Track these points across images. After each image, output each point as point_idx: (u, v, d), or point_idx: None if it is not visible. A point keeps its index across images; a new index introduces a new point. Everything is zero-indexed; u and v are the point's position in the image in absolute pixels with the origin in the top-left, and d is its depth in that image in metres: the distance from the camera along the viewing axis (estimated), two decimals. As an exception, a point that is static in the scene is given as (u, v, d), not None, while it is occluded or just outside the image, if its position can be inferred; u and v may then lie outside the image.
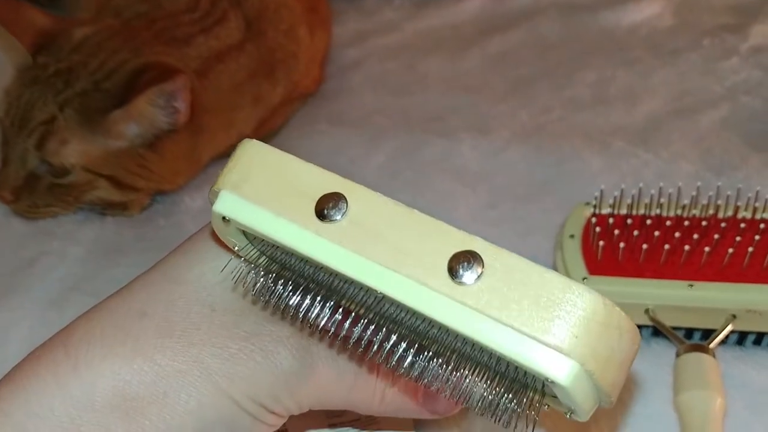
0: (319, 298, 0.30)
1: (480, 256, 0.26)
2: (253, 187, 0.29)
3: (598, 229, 0.52)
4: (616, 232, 0.52)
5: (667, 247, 0.50)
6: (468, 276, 0.26)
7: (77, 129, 0.62)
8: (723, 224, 0.52)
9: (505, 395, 0.30)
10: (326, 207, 0.28)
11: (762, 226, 0.52)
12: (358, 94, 0.82)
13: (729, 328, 0.50)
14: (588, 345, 0.26)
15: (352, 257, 0.27)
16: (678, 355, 0.49)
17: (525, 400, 0.30)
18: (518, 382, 0.29)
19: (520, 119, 0.76)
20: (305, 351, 0.33)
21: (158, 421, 0.32)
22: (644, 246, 0.51)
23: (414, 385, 0.34)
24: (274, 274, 0.31)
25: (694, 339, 0.51)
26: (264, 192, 0.29)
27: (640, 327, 0.52)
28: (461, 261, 0.26)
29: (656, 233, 0.51)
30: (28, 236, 0.66)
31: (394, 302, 0.28)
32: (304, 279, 0.31)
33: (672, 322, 0.50)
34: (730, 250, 0.50)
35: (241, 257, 0.32)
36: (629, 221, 0.53)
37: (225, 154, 0.72)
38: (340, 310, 0.30)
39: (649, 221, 0.53)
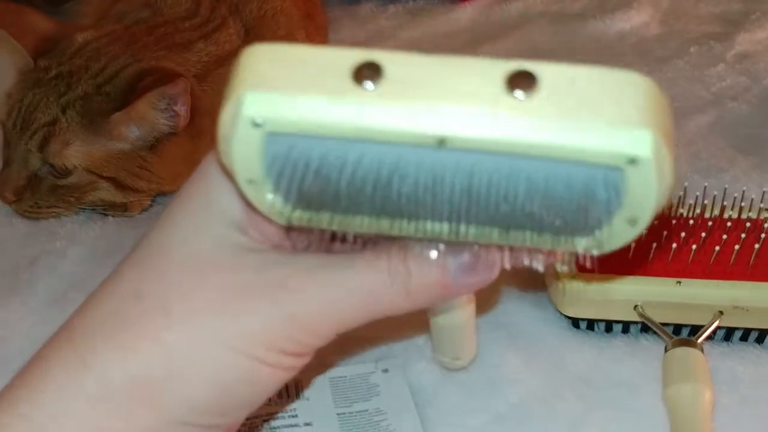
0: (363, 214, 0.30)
1: (531, 73, 0.26)
2: (279, 80, 0.27)
3: (588, 228, 0.54)
4: (606, 231, 0.53)
5: (655, 245, 0.52)
6: (525, 92, 0.26)
7: (79, 131, 0.63)
8: (710, 223, 0.54)
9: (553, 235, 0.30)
10: (364, 76, 0.27)
11: (748, 225, 0.53)
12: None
13: (716, 324, 0.51)
14: (655, 115, 0.27)
15: (408, 111, 0.27)
16: (667, 350, 0.50)
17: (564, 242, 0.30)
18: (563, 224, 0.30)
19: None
20: (308, 286, 0.32)
21: (177, 397, 0.32)
22: (633, 244, 0.52)
23: (436, 268, 0.33)
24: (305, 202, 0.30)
25: (683, 335, 0.52)
26: (293, 82, 0.27)
27: (629, 323, 0.53)
28: (515, 80, 0.26)
29: (644, 232, 0.53)
30: (30, 236, 0.67)
31: (454, 155, 0.27)
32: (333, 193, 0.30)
33: (661, 318, 0.51)
34: (717, 248, 0.51)
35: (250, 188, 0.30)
36: (618, 221, 0.54)
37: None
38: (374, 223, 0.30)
39: (637, 220, 0.54)
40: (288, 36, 0.76)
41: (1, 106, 0.67)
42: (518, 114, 0.26)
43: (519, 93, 0.26)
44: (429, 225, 0.30)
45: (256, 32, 0.74)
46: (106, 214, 0.68)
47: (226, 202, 0.33)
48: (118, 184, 0.65)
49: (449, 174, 0.28)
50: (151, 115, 0.63)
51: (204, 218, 0.33)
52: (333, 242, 0.33)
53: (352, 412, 0.49)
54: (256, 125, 0.27)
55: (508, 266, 0.32)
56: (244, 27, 0.73)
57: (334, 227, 0.31)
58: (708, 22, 0.93)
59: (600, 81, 0.27)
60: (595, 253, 0.31)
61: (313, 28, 0.81)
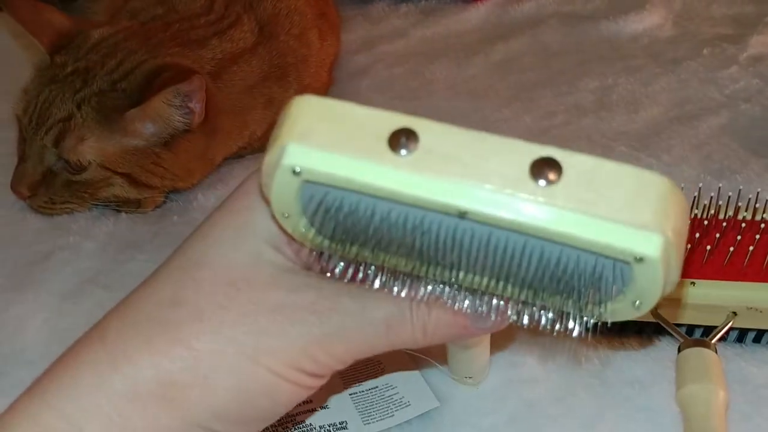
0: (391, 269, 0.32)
1: (557, 162, 0.28)
2: (321, 136, 0.30)
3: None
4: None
5: (669, 245, 0.52)
6: (547, 181, 0.28)
7: (94, 127, 0.64)
8: (724, 224, 0.54)
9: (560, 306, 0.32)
10: (399, 142, 0.29)
11: (762, 226, 0.53)
12: (367, 99, 0.83)
13: (729, 324, 0.51)
14: (668, 218, 0.28)
15: (435, 182, 0.29)
16: (680, 350, 0.50)
17: (580, 306, 0.31)
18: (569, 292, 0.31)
19: (524, 123, 0.78)
20: (333, 312, 0.34)
21: (201, 403, 0.33)
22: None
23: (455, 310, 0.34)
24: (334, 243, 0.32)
25: (695, 335, 0.52)
26: (333, 139, 0.30)
27: (643, 323, 0.53)
28: (540, 166, 0.28)
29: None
30: (43, 231, 0.67)
31: (474, 224, 0.29)
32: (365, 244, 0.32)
33: (674, 319, 0.51)
34: (731, 249, 0.51)
35: (289, 227, 0.33)
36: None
37: (238, 155, 0.74)
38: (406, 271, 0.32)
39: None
40: (301, 34, 0.76)
41: (17, 101, 0.67)
42: (537, 201, 0.28)
43: (541, 180, 0.28)
44: (447, 272, 0.32)
45: (270, 30, 0.74)
46: (119, 211, 0.69)
47: (265, 221, 0.35)
48: (132, 180, 0.66)
49: (468, 236, 0.30)
50: (166, 112, 0.64)
51: (243, 235, 0.35)
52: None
53: (363, 391, 0.51)
54: (294, 173, 0.30)
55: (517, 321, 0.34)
56: (258, 24, 0.73)
57: (361, 259, 0.33)
58: (721, 24, 0.93)
59: (620, 177, 0.28)
60: (596, 321, 0.32)
61: (326, 27, 0.81)
